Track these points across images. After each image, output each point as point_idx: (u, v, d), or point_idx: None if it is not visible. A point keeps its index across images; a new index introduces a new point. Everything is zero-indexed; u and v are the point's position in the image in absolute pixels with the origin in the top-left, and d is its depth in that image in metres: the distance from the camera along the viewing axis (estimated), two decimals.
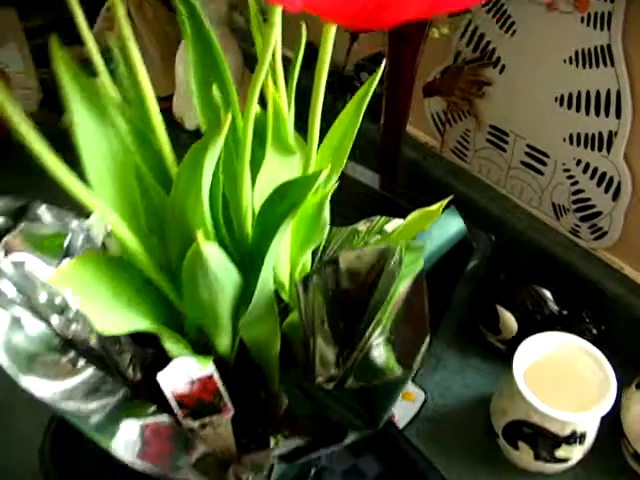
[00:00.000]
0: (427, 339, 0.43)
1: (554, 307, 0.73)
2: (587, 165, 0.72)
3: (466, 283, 0.73)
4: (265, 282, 0.46)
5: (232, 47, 0.90)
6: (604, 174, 0.71)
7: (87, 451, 0.67)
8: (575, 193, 0.75)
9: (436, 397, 0.73)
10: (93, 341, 0.52)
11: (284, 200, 0.43)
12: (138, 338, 0.52)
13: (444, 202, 0.51)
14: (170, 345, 0.46)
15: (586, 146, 0.71)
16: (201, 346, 0.51)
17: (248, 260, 0.46)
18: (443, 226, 0.59)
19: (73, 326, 0.50)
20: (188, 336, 0.49)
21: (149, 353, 0.53)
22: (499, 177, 0.82)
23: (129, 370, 0.54)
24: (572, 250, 0.77)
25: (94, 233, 0.50)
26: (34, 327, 0.46)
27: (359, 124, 0.44)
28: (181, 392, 0.50)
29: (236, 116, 0.44)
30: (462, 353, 0.77)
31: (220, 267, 0.42)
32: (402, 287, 0.46)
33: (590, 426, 0.63)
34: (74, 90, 0.34)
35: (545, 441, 0.63)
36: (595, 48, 0.66)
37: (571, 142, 0.72)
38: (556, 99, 0.71)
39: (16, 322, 0.45)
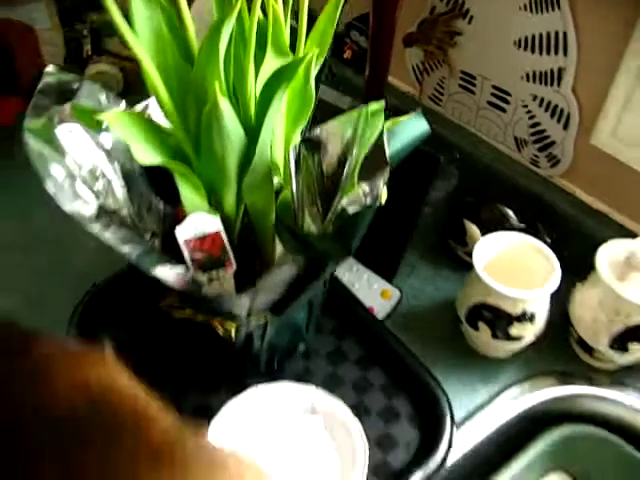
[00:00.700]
0: (387, 171, 0.55)
1: (515, 222, 0.85)
2: (542, 100, 0.84)
3: (435, 197, 0.85)
4: (263, 150, 0.58)
5: None
6: (556, 106, 0.83)
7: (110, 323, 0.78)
8: (533, 126, 0.87)
9: (410, 298, 0.85)
10: (124, 211, 0.64)
11: (279, 79, 0.55)
12: (162, 196, 0.64)
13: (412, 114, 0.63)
14: (187, 192, 0.58)
15: (541, 82, 0.83)
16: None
17: (250, 133, 0.58)
18: (409, 127, 0.70)
19: (108, 199, 0.62)
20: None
21: (169, 212, 0.64)
22: (469, 117, 0.94)
23: (148, 234, 0.65)
24: (531, 178, 0.89)
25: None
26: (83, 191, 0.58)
27: (336, 19, 0.56)
28: (193, 245, 0.61)
29: (243, 15, 0.57)
30: (434, 264, 0.89)
31: (230, 122, 0.54)
32: (367, 148, 0.58)
33: (539, 306, 0.74)
34: None
35: (500, 320, 0.74)
36: None
37: (528, 80, 0.85)
38: (514, 42, 0.84)
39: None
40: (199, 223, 0.62)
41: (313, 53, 0.55)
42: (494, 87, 0.89)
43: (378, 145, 0.59)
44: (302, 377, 0.76)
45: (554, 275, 0.73)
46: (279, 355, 0.75)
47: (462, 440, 0.74)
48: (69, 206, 0.55)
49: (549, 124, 0.85)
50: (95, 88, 0.61)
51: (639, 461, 0.78)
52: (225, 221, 0.62)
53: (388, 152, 0.58)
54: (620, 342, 0.74)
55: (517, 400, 0.77)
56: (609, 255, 0.74)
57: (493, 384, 0.78)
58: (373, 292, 0.84)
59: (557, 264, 0.74)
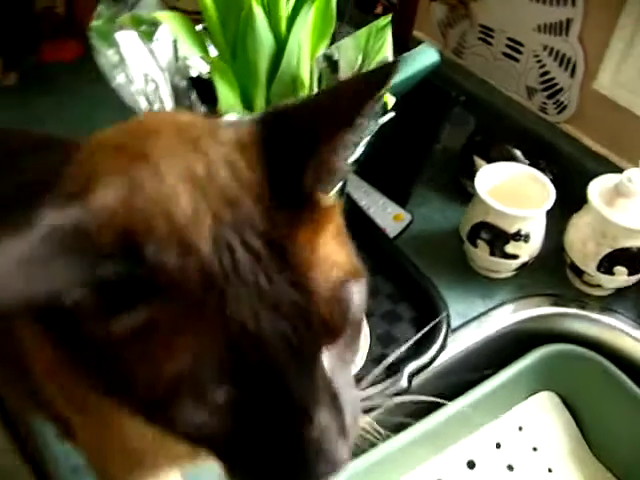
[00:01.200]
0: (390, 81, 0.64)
1: (521, 159, 0.92)
2: (551, 49, 0.92)
3: (450, 139, 0.93)
4: (290, 59, 0.67)
5: None
6: (564, 55, 0.91)
7: None
8: (542, 75, 0.95)
9: (420, 223, 0.94)
10: None
11: None
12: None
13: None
14: (224, 91, 0.68)
15: (550, 33, 0.91)
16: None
17: (280, 44, 0.67)
18: (418, 56, 0.79)
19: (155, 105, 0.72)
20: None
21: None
22: (486, 68, 1.03)
23: None
24: (539, 123, 0.97)
25: None
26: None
27: None
28: None
29: None
30: (445, 196, 0.97)
31: (262, 29, 0.64)
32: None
33: (534, 227, 0.82)
34: None
35: (497, 238, 0.83)
36: None
37: (539, 31, 0.92)
38: None
39: None
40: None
41: None
42: (509, 39, 0.97)
43: (384, 58, 0.68)
44: None
45: (549, 199, 0.81)
46: None
47: (455, 345, 0.82)
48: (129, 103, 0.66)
49: (557, 72, 0.93)
50: (152, 2, 0.71)
51: (624, 382, 0.85)
52: None
53: (392, 63, 0.67)
54: (607, 265, 0.82)
55: (509, 316, 0.85)
56: (600, 186, 0.82)
57: (490, 300, 0.86)
58: (386, 215, 0.93)
59: (552, 190, 0.82)
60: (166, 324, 0.29)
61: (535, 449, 0.88)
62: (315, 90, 0.72)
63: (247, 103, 0.71)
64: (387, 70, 0.35)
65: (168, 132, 0.33)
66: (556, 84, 0.94)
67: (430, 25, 1.08)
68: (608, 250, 0.81)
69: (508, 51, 0.98)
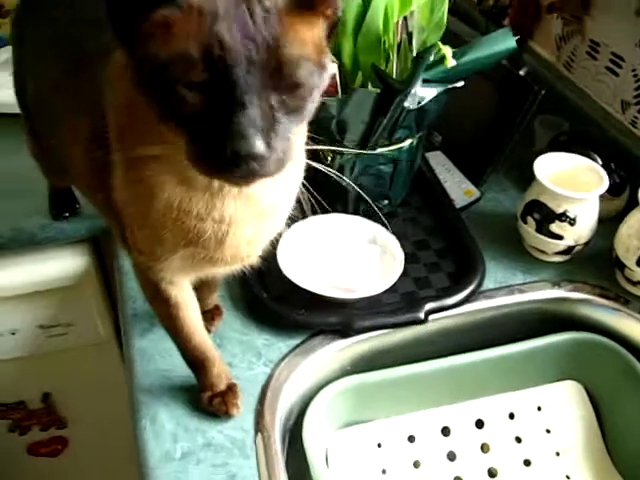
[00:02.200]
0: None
1: (596, 160, 0.97)
2: None
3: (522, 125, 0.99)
4: (374, 18, 0.80)
5: None
6: None
7: None
8: (637, 89, 0.99)
9: (488, 201, 1.01)
10: None
11: None
12: None
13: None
14: None
15: None
16: None
17: (366, 3, 0.80)
18: (496, 40, 0.88)
19: None
20: None
21: None
22: (589, 82, 1.08)
23: None
24: (627, 135, 1.01)
25: None
26: None
27: None
28: None
29: None
30: (516, 183, 1.04)
31: None
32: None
33: (581, 210, 0.87)
34: None
35: (545, 217, 0.89)
36: None
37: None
38: (636, 11, 0.97)
39: None
40: None
41: None
42: (612, 53, 1.03)
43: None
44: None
45: (600, 187, 0.86)
46: (364, 200, 0.95)
47: (483, 304, 0.88)
48: None
49: None
50: None
51: None
52: (342, 70, 0.86)
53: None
54: None
55: (542, 292, 0.90)
56: None
57: (530, 276, 0.92)
58: (459, 189, 1.02)
59: (606, 179, 0.87)
60: (177, 23, 0.43)
61: (548, 431, 0.91)
62: (395, 51, 0.85)
63: (336, 52, 0.84)
64: None
65: None
66: None
67: (548, 38, 1.16)
68: None
69: (610, 65, 1.04)
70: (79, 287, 0.99)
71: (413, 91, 0.82)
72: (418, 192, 1.03)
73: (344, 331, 0.82)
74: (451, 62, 0.82)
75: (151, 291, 0.66)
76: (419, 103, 0.84)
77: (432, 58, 0.84)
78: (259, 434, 0.73)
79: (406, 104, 0.83)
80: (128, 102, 0.53)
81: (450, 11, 0.88)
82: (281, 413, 0.77)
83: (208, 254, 0.59)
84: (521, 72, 1.05)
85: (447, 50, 0.83)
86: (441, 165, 1.05)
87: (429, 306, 0.84)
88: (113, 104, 0.55)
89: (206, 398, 0.74)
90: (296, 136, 0.49)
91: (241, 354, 0.80)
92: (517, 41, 1.11)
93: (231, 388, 0.75)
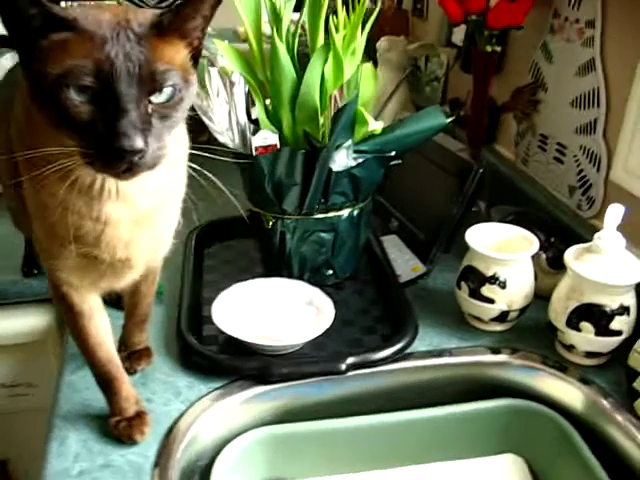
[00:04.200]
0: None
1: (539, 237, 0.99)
2: (584, 148, 1.02)
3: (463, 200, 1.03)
4: (308, 89, 0.90)
5: (403, 86, 1.38)
6: (593, 152, 1.00)
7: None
8: (579, 173, 1.03)
9: (435, 277, 1.04)
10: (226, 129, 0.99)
11: (321, 51, 0.88)
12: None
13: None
14: (260, 112, 0.92)
15: (584, 133, 1.01)
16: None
17: (300, 78, 0.91)
18: (427, 117, 0.95)
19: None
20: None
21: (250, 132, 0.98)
22: (542, 173, 1.13)
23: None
24: (571, 216, 1.04)
25: None
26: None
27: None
28: (260, 151, 0.94)
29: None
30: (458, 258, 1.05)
31: (284, 61, 0.88)
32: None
33: (511, 274, 0.89)
34: None
35: (475, 280, 0.90)
36: (587, 61, 1.00)
37: (577, 132, 1.03)
38: (571, 103, 1.04)
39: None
40: (265, 136, 0.95)
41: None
42: (558, 143, 1.08)
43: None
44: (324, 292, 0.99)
45: (529, 250, 0.88)
46: (309, 268, 1.00)
47: (411, 365, 0.88)
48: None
49: (588, 169, 1.01)
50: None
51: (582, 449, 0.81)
52: (282, 138, 0.94)
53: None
54: (575, 320, 0.84)
55: (473, 358, 0.89)
56: (579, 247, 0.87)
57: (466, 342, 0.91)
58: (407, 266, 1.05)
59: (537, 244, 0.89)
60: (72, 43, 0.53)
61: None
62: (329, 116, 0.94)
63: (277, 123, 0.94)
64: None
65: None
66: (587, 180, 1.02)
67: (507, 138, 1.23)
68: (576, 304, 0.84)
69: (557, 155, 1.09)
70: (42, 346, 1.05)
71: (339, 153, 0.90)
72: (367, 269, 1.07)
73: (262, 377, 0.83)
74: (372, 125, 0.89)
75: (56, 296, 0.71)
76: (348, 167, 0.91)
77: (369, 129, 0.92)
78: (159, 464, 0.73)
79: (333, 167, 0.90)
80: (27, 114, 0.62)
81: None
82: (189, 450, 0.77)
83: (90, 252, 0.65)
84: (481, 169, 1.11)
85: (370, 118, 0.91)
86: (394, 246, 1.10)
87: (352, 360, 0.85)
88: (16, 117, 0.65)
89: (114, 422, 0.76)
90: (171, 144, 0.59)
91: (161, 392, 0.82)
92: (476, 143, 1.20)
93: (140, 415, 0.76)
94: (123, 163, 0.55)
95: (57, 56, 0.54)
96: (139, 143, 0.54)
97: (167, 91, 0.57)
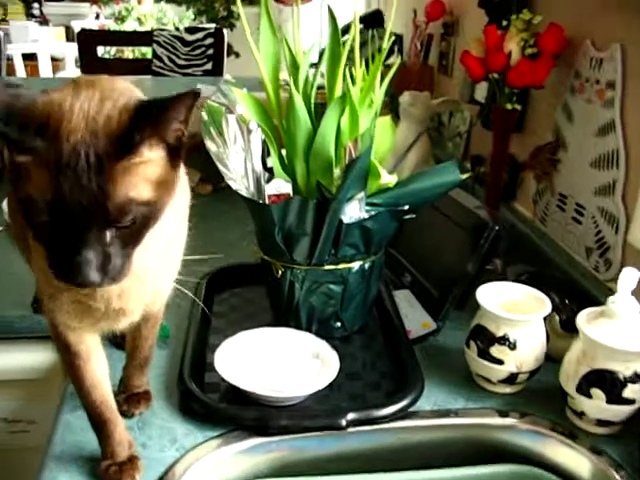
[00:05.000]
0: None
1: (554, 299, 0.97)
2: (603, 209, 1.00)
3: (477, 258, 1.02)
4: (322, 140, 0.90)
5: (425, 141, 1.38)
6: (611, 214, 0.98)
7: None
8: (597, 234, 1.01)
9: (445, 334, 1.01)
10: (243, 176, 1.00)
11: (337, 103, 0.89)
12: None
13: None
14: (275, 161, 0.93)
15: (602, 194, 1.00)
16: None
17: (316, 129, 0.91)
18: (442, 171, 0.94)
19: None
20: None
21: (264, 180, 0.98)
22: (561, 233, 1.11)
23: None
24: (589, 278, 1.01)
25: None
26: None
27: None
28: (272, 199, 0.94)
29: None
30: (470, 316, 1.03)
31: (300, 112, 0.89)
32: None
33: (522, 335, 0.86)
34: (266, 20, 0.88)
35: (485, 340, 0.88)
36: (607, 122, 0.99)
37: (595, 194, 1.02)
38: (590, 164, 1.03)
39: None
40: (278, 185, 0.96)
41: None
42: (576, 204, 1.07)
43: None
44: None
45: (541, 312, 0.86)
46: (317, 319, 0.98)
47: (413, 424, 0.85)
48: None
49: (607, 231, 0.99)
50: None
51: None
52: (295, 188, 0.94)
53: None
54: (586, 386, 0.81)
55: (480, 420, 0.86)
56: (592, 310, 0.84)
57: (472, 403, 0.89)
58: (418, 322, 1.03)
59: (549, 306, 0.87)
60: (31, 169, 0.54)
61: None
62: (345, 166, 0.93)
63: (291, 173, 0.94)
64: (189, 96, 0.56)
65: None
66: (605, 242, 1.00)
67: (526, 196, 1.22)
68: (587, 369, 0.81)
69: (576, 215, 1.07)
70: (47, 383, 1.04)
71: (351, 205, 0.89)
72: (376, 322, 1.06)
73: (260, 428, 0.81)
74: (385, 178, 0.89)
75: (54, 335, 0.71)
76: (360, 220, 0.90)
77: (381, 182, 0.92)
78: None
79: (344, 218, 0.89)
80: None
81: None
82: None
83: (84, 301, 0.65)
84: (497, 227, 1.10)
85: (383, 171, 0.90)
86: (406, 301, 1.08)
87: (353, 416, 0.83)
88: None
89: (104, 466, 0.74)
90: (136, 249, 0.59)
91: (157, 437, 0.81)
92: (494, 200, 1.19)
93: (132, 460, 0.75)
94: (80, 286, 0.57)
95: (20, 179, 0.54)
96: (94, 278, 0.55)
97: (129, 221, 0.56)
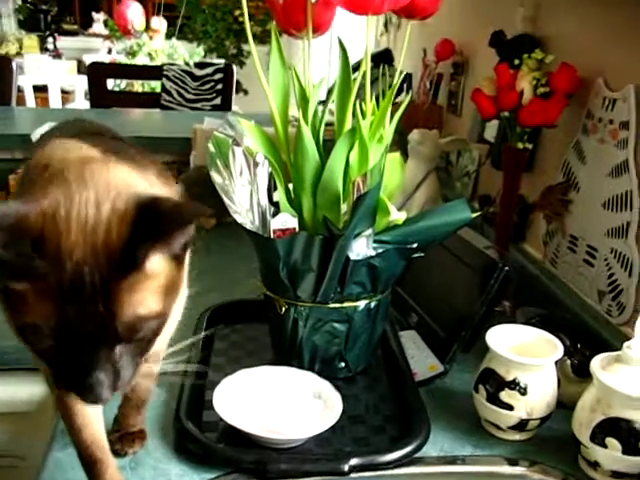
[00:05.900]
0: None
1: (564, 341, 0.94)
2: (616, 252, 0.97)
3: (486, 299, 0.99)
4: (331, 175, 0.88)
5: (433, 179, 1.36)
6: (625, 256, 0.95)
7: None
8: (609, 277, 0.99)
9: (453, 377, 0.98)
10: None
11: (346, 137, 0.87)
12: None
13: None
14: (281, 195, 0.91)
15: (615, 236, 0.97)
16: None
17: (324, 163, 0.89)
18: (451, 210, 0.92)
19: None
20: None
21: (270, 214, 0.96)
22: (572, 275, 1.08)
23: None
24: (601, 322, 0.98)
25: None
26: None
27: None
28: (278, 234, 0.92)
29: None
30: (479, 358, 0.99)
31: (308, 145, 0.87)
32: None
33: (532, 380, 0.83)
34: (276, 52, 0.87)
35: (494, 384, 0.85)
36: (620, 163, 0.97)
37: (608, 235, 0.99)
38: (603, 205, 1.01)
39: None
40: (284, 220, 0.93)
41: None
42: (588, 246, 1.04)
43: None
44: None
45: (552, 356, 0.83)
46: (320, 358, 0.95)
47: (419, 471, 0.82)
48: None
49: (620, 273, 0.96)
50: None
51: None
52: (301, 223, 0.92)
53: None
54: (600, 435, 0.78)
55: (488, 467, 0.83)
56: (606, 355, 0.81)
57: (480, 450, 0.85)
58: (424, 364, 0.99)
59: (561, 349, 0.84)
60: (30, 296, 0.50)
61: None
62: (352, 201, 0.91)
63: (298, 207, 0.92)
64: (196, 209, 0.53)
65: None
66: (618, 285, 0.97)
67: (537, 237, 1.20)
68: (601, 417, 0.78)
69: (587, 257, 1.05)
70: (36, 416, 1.00)
71: (358, 242, 0.87)
72: (381, 363, 1.02)
73: (259, 472, 0.78)
74: (394, 215, 0.87)
75: (43, 369, 0.68)
76: (367, 257, 0.88)
77: (391, 218, 0.90)
78: None
79: (351, 255, 0.87)
80: None
81: None
82: None
83: None
84: (507, 267, 1.07)
85: (392, 208, 0.88)
86: (412, 342, 1.05)
87: (356, 461, 0.79)
88: None
89: None
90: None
91: (151, 479, 0.77)
92: (504, 241, 1.17)
93: None
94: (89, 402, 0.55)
95: (18, 308, 0.51)
96: (106, 396, 0.53)
97: (139, 337, 0.54)
